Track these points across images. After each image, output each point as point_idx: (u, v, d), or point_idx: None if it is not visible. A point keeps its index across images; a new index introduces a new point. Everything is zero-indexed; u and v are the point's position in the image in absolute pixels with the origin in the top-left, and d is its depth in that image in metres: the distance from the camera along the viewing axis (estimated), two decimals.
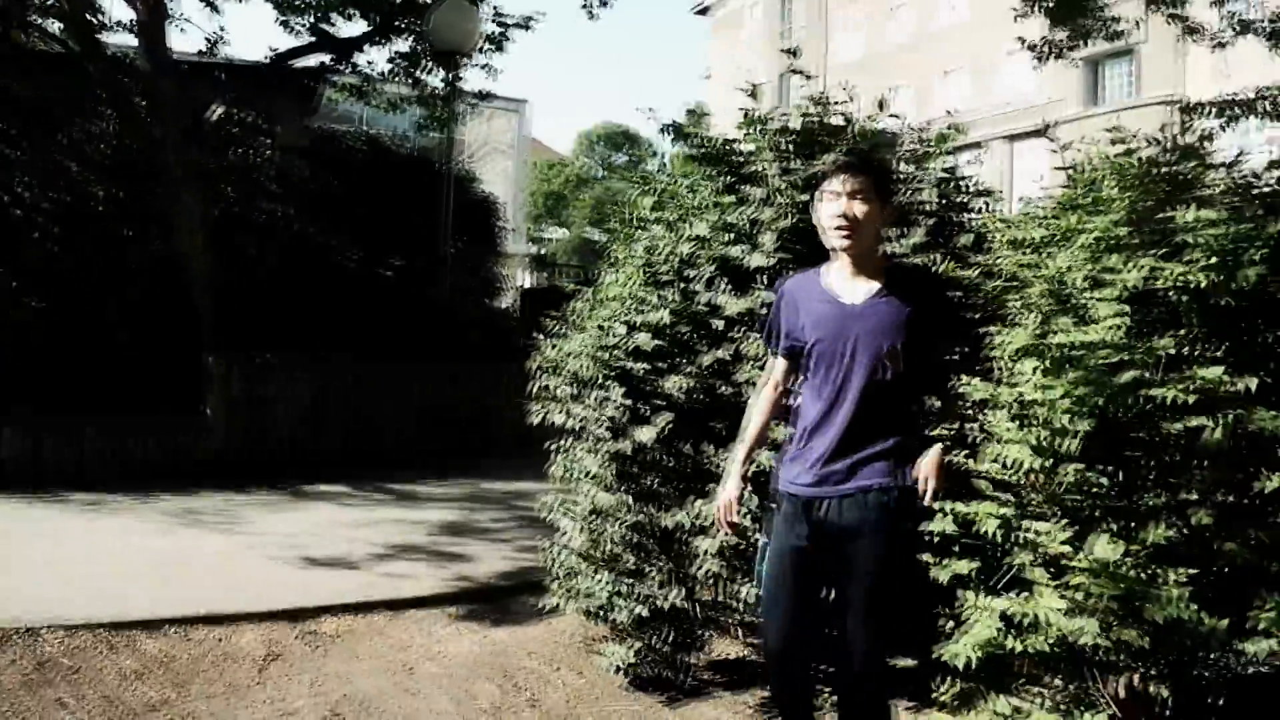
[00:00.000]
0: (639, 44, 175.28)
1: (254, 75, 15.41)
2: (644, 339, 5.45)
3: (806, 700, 4.31)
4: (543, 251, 72.57)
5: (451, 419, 14.54)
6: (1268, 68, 15.24)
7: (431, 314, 14.82)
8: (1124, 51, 36.82)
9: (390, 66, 16.91)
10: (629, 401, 5.51)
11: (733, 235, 5.51)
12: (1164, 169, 4.00)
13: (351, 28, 17.25)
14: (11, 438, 11.86)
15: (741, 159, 5.95)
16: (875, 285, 4.03)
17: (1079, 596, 3.67)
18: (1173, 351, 3.67)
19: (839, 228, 3.99)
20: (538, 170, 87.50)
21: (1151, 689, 3.82)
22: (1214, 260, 3.61)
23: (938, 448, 4.02)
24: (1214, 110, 13.94)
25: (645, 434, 5.36)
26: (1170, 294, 3.74)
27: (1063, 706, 3.91)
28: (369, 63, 16.92)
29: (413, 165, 17.05)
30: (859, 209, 3.96)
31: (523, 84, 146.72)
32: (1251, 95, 13.90)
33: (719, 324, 5.50)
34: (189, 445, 12.50)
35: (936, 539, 3.98)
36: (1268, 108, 13.78)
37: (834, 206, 4.00)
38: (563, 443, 6.46)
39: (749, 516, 5.01)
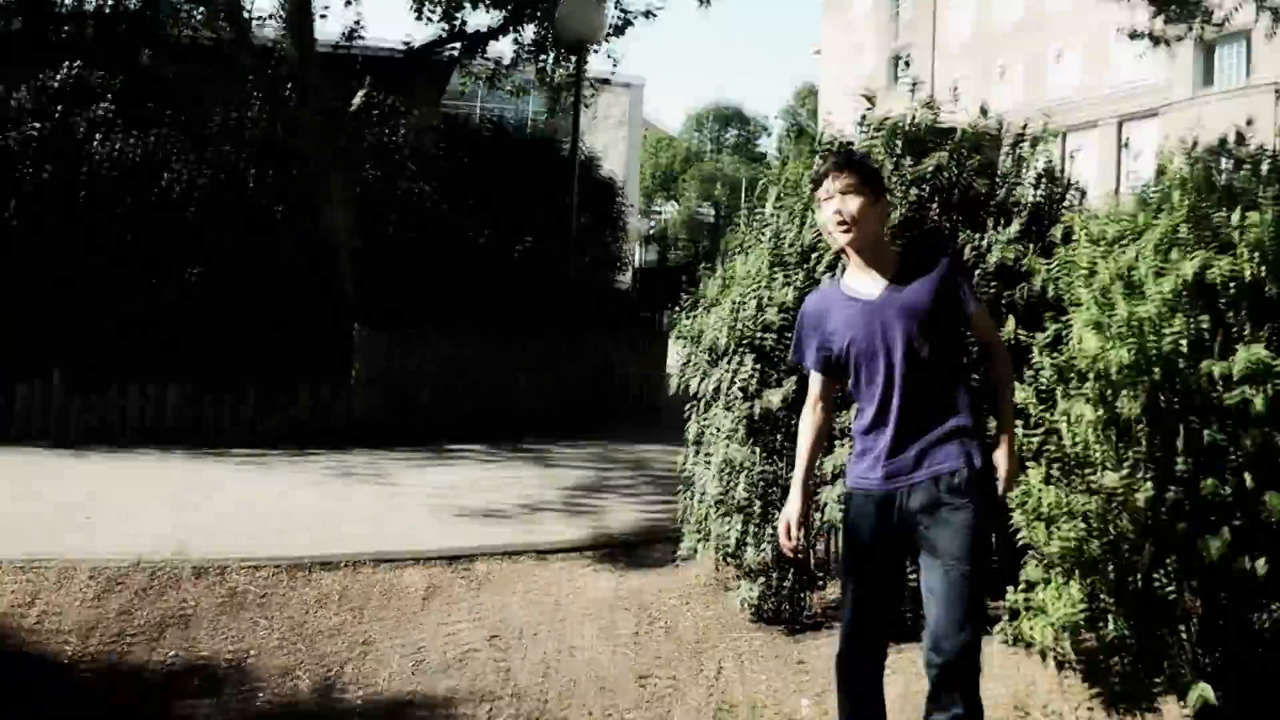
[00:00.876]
0: (749, 20, 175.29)
1: (389, 63, 16.33)
2: (773, 314, 6.23)
3: (875, 691, 4.38)
4: (654, 228, 73.37)
5: (579, 387, 15.43)
6: None
7: (560, 288, 15.67)
8: (1236, 34, 36.63)
9: (517, 54, 17.73)
10: (759, 369, 6.30)
11: None
12: (1220, 176, 4.71)
13: (480, 15, 18.07)
14: (175, 400, 12.95)
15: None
16: (889, 274, 4.14)
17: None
18: (1208, 328, 4.42)
19: (837, 224, 4.13)
20: (647, 145, 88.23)
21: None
22: (1258, 255, 4.34)
23: (1007, 440, 4.18)
24: None
25: (774, 397, 6.15)
26: (1220, 284, 4.46)
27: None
28: (498, 52, 17.77)
29: (535, 146, 17.91)
30: (852, 204, 4.08)
31: (633, 62, 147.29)
32: None
33: None
34: (337, 409, 13.49)
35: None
36: None
37: (829, 207, 4.15)
38: (696, 406, 7.26)
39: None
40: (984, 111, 6.87)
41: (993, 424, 4.52)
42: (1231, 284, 4.41)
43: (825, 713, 5.50)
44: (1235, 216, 4.43)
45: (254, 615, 6.95)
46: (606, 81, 18.73)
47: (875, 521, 4.13)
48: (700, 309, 7.12)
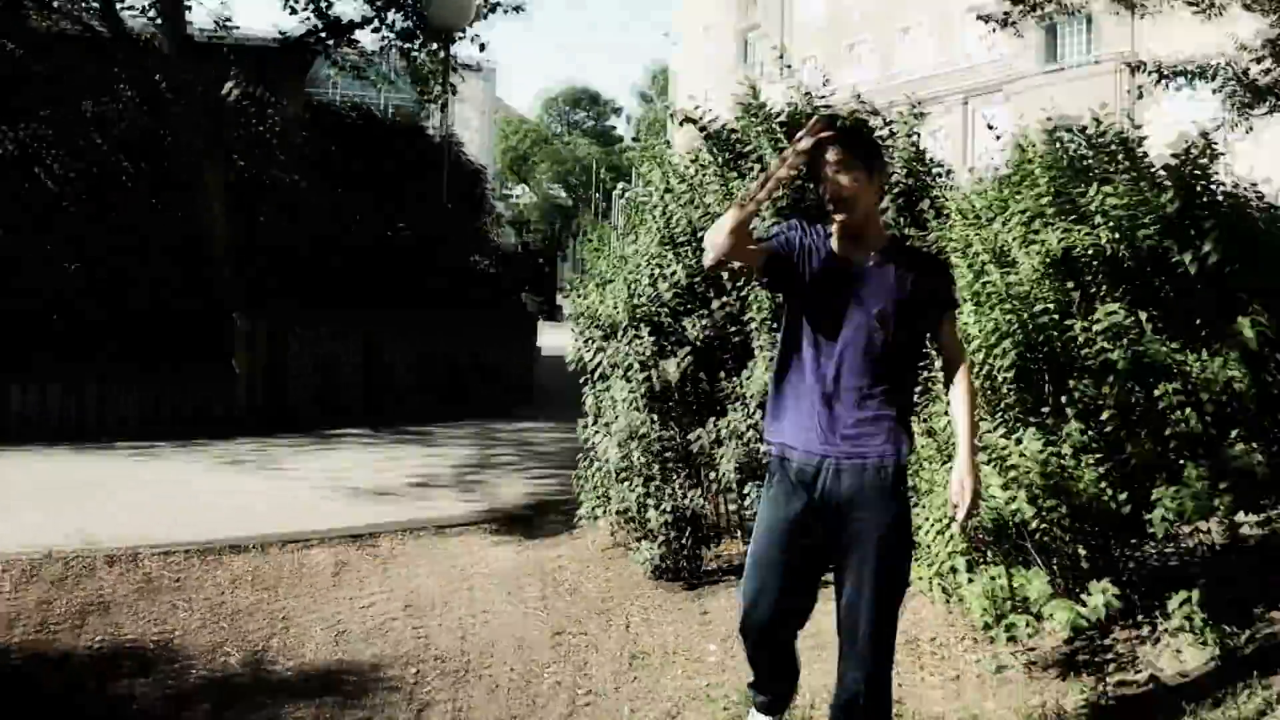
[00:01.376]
0: (601, 2, 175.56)
1: (257, 53, 16.39)
2: (666, 290, 6.65)
3: (788, 660, 4.50)
4: (508, 211, 73.38)
5: (454, 369, 15.73)
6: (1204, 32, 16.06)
7: (432, 273, 15.96)
8: (1079, 9, 37.78)
9: (384, 44, 17.87)
10: (656, 341, 6.71)
11: None
12: (1077, 157, 5.24)
13: (348, 2, 18.01)
14: (57, 396, 12.95)
15: (740, 140, 7.14)
16: (874, 251, 4.00)
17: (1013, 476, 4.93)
18: (1076, 295, 4.95)
19: (831, 200, 3.95)
20: (498, 128, 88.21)
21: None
22: (1117, 228, 4.87)
23: (971, 462, 3.99)
24: (1156, 76, 15.08)
25: (669, 367, 6.57)
26: (1081, 253, 4.99)
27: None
28: (365, 40, 17.91)
29: (402, 133, 18.14)
30: (847, 181, 3.90)
31: (489, 46, 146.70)
32: (1191, 64, 15.09)
33: (726, 278, 6.69)
34: (218, 397, 13.60)
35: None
36: (1200, 77, 14.94)
37: (826, 181, 3.96)
38: (591, 380, 7.66)
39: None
40: (858, 97, 7.38)
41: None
42: (1091, 253, 4.94)
43: (732, 656, 5.93)
44: (1092, 192, 4.96)
45: (172, 599, 7.16)
46: (473, 67, 18.96)
47: (792, 497, 4.03)
48: (591, 288, 7.50)
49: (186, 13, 14.66)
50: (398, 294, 15.44)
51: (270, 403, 13.83)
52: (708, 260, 3.97)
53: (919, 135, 7.29)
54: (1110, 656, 5.34)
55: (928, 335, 4.18)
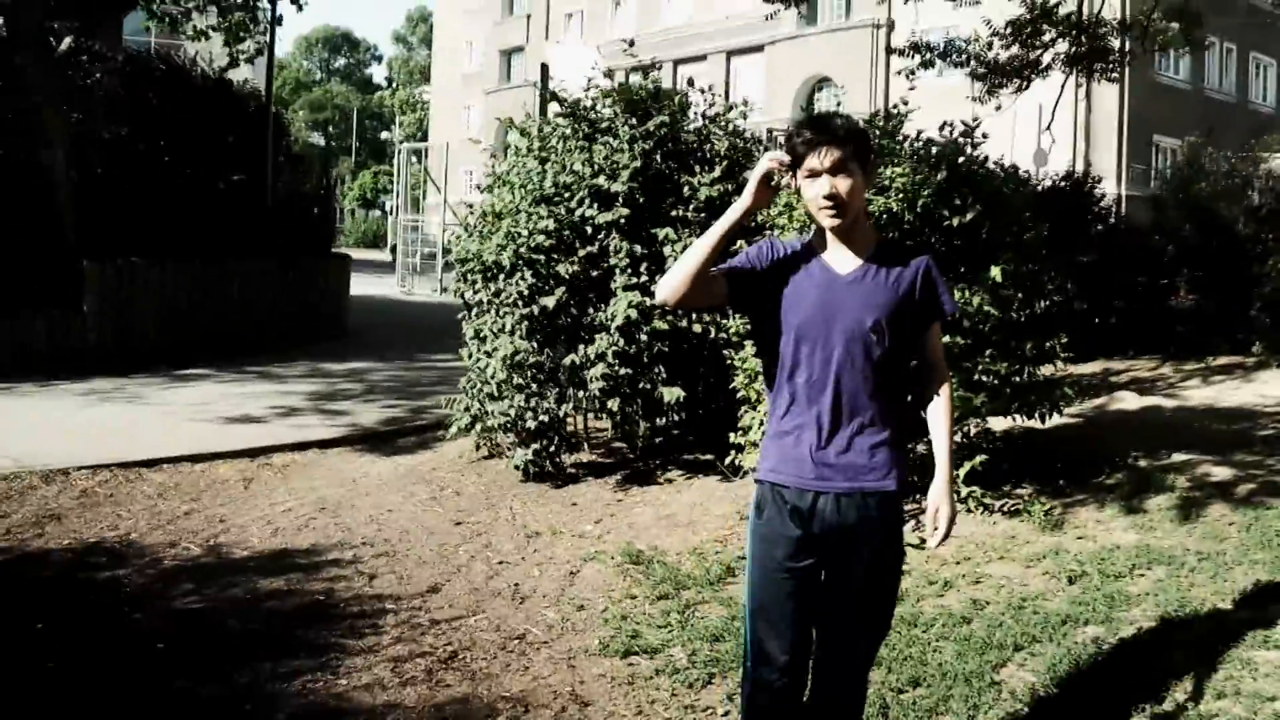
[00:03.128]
0: None
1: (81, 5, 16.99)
2: (542, 239, 8.16)
3: None
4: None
5: (282, 312, 17.05)
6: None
7: (255, 220, 17.13)
8: None
9: None
10: (534, 281, 8.22)
11: (598, 170, 8.24)
12: (876, 139, 6.99)
13: None
14: None
15: (595, 115, 8.72)
16: (865, 253, 3.62)
17: None
18: None
19: (825, 208, 3.51)
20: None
21: None
22: (904, 195, 6.65)
23: (947, 481, 3.70)
24: (915, 59, 16.89)
25: (549, 301, 8.10)
26: (880, 215, 6.74)
27: None
28: None
29: (215, 87, 18.85)
30: (843, 185, 3.48)
31: None
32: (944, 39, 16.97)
33: (589, 230, 8.25)
34: (70, 340, 14.47)
35: None
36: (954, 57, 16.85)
37: (818, 185, 3.50)
38: (468, 313, 9.13)
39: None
40: (690, 83, 9.00)
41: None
42: (885, 216, 6.70)
43: (608, 531, 7.57)
44: (887, 171, 6.74)
45: (112, 509, 8.38)
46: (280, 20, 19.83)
47: (786, 531, 3.64)
48: (472, 235, 8.92)
49: None
50: (226, 241, 16.51)
51: (119, 344, 14.75)
52: (662, 298, 3.65)
53: (741, 119, 9.04)
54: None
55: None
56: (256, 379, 14.11)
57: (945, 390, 3.76)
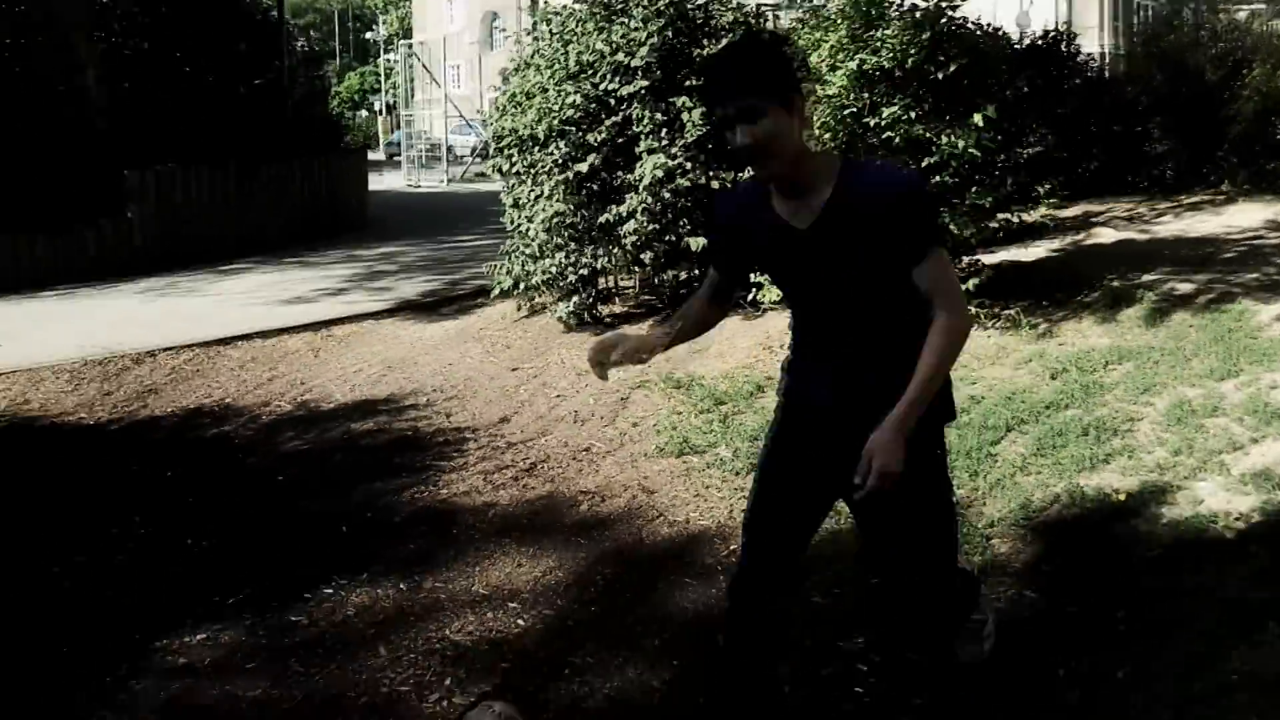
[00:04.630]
0: None
1: None
2: (571, 113, 9.09)
3: (765, 647, 3.62)
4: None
5: (310, 206, 18.08)
6: None
7: (281, 123, 18.10)
8: None
9: None
10: (567, 150, 9.17)
11: (616, 47, 9.15)
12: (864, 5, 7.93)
13: None
14: None
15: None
16: (823, 196, 3.13)
17: None
18: (868, 99, 7.68)
19: (745, 160, 3.14)
20: None
21: None
22: (893, 54, 7.60)
23: (898, 417, 3.07)
24: None
25: (582, 166, 9.05)
26: (873, 72, 7.70)
27: None
28: None
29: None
30: (759, 131, 3.01)
31: None
32: None
33: (613, 102, 9.18)
34: (118, 246, 15.44)
35: None
36: None
37: (731, 137, 3.08)
38: (507, 181, 10.08)
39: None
40: None
41: None
42: (877, 73, 7.66)
43: (649, 365, 8.43)
44: (878, 32, 7.69)
45: (201, 381, 9.39)
46: None
47: (802, 433, 3.45)
48: (505, 114, 9.83)
49: None
50: (252, 143, 17.39)
51: (163, 248, 15.67)
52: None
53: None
54: None
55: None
56: (297, 267, 15.07)
57: (940, 323, 3.13)
